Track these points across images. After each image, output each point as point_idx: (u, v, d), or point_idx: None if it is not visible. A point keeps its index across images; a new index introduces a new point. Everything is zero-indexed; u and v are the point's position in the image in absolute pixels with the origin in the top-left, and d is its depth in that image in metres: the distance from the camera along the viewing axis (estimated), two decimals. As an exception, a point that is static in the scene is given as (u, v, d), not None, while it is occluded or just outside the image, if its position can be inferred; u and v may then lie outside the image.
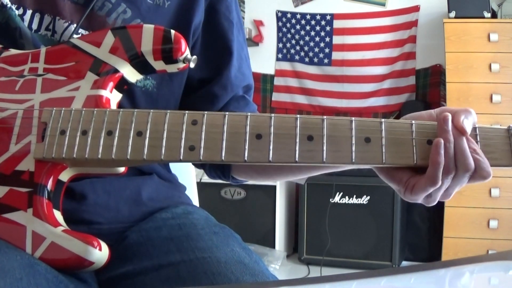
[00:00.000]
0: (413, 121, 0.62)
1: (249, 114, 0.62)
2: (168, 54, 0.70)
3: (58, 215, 0.65)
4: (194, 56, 0.71)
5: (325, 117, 0.61)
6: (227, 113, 0.62)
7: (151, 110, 0.64)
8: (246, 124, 0.61)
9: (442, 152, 0.60)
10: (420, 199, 0.63)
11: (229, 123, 0.62)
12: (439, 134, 0.60)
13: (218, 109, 0.88)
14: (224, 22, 0.88)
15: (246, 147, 0.61)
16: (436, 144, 0.60)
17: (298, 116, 0.61)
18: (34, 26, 0.77)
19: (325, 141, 0.61)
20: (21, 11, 0.76)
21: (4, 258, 0.58)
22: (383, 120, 0.62)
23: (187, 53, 0.70)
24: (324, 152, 0.61)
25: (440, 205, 3.05)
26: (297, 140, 0.61)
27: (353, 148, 0.61)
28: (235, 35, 0.90)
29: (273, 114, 0.62)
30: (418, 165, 0.61)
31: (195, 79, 0.88)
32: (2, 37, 0.75)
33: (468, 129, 0.60)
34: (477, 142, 0.61)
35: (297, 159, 0.60)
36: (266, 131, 0.61)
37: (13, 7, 0.76)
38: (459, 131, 0.60)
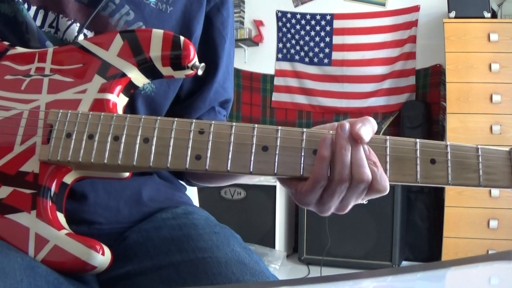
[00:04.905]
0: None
1: (256, 125, 0.62)
2: (176, 60, 0.69)
3: (61, 217, 0.65)
4: (203, 64, 0.71)
5: (331, 131, 0.61)
6: (234, 123, 0.62)
7: (158, 117, 0.63)
8: (253, 136, 0.61)
9: (329, 147, 0.59)
10: (311, 201, 0.61)
11: (236, 134, 0.61)
12: (336, 141, 0.59)
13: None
14: (216, 38, 0.89)
15: (252, 159, 0.60)
16: (323, 138, 0.59)
17: (305, 130, 0.61)
18: (38, 22, 0.76)
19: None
20: (25, 6, 0.76)
21: (5, 259, 0.58)
22: (388, 137, 0.61)
23: (195, 60, 0.70)
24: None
25: (440, 205, 3.05)
26: (303, 154, 0.60)
27: None
28: (226, 51, 0.91)
29: (280, 127, 0.62)
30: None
31: (184, 89, 0.89)
32: (9, 30, 0.75)
33: (366, 136, 0.59)
34: (478, 162, 0.60)
35: (302, 173, 0.60)
36: (272, 144, 0.61)
37: (21, 1, 0.75)
38: (355, 138, 0.59)
